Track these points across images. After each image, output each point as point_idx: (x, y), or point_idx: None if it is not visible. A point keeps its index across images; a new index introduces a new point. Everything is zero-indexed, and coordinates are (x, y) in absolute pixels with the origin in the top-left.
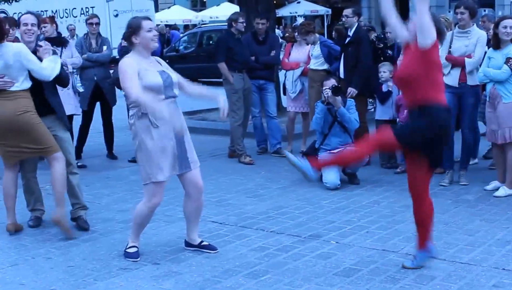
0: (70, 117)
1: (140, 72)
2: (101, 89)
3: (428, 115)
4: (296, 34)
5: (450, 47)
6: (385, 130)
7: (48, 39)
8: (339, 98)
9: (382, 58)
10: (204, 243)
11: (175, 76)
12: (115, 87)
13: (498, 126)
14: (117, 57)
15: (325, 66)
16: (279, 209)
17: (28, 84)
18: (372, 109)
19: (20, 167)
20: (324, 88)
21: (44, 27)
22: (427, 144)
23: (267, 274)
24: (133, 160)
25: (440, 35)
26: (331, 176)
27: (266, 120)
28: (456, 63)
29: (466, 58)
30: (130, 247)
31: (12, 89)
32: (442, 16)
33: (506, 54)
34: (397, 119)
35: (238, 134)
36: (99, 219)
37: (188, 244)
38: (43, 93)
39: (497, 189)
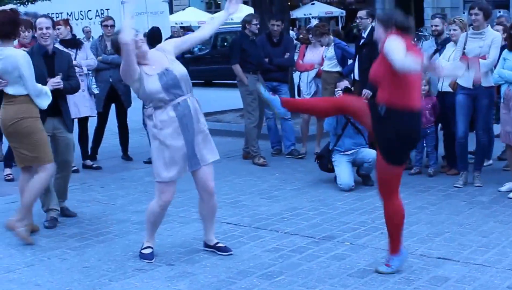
0: (86, 119)
1: (141, 77)
2: (116, 91)
3: (392, 120)
4: (311, 36)
5: (464, 48)
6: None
7: (62, 41)
8: None
9: None
10: (219, 244)
11: (180, 68)
12: (130, 89)
13: None
14: None
15: (338, 68)
16: (293, 211)
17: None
18: None
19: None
20: (336, 89)
21: (58, 29)
22: (389, 147)
23: (281, 275)
24: (149, 161)
25: (406, 30)
26: (345, 177)
27: (280, 122)
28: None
29: (480, 60)
30: (145, 248)
31: (12, 93)
32: (456, 18)
33: None
34: None
35: (253, 136)
36: (114, 220)
37: (205, 244)
38: (54, 96)
39: (511, 190)
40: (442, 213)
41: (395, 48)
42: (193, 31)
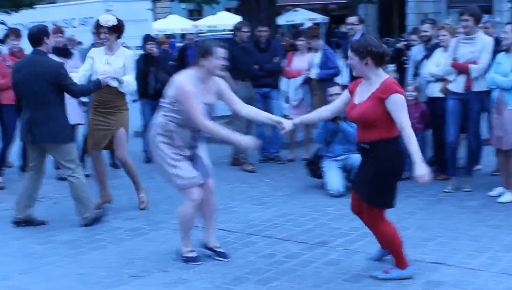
0: (74, 127)
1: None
2: None
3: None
4: (301, 40)
5: (455, 53)
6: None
7: (56, 48)
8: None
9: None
10: (219, 249)
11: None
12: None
13: (504, 132)
14: None
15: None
16: (285, 216)
17: None
18: None
19: None
20: (330, 94)
21: (61, 36)
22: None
23: (277, 281)
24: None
25: (381, 57)
26: (336, 183)
27: (269, 128)
28: (462, 69)
29: (471, 65)
30: (188, 252)
31: None
32: (446, 23)
33: None
34: None
35: None
36: (106, 227)
37: (204, 246)
38: None
39: (501, 195)
40: (433, 218)
41: None
42: (175, 38)
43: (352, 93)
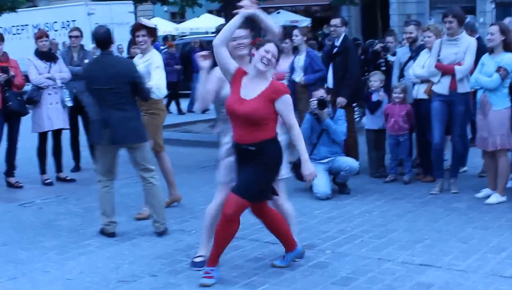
0: (59, 131)
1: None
2: (80, 102)
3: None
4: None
5: (439, 55)
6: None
7: (40, 52)
8: (326, 110)
9: (367, 68)
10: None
11: None
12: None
13: (489, 133)
14: None
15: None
16: None
17: None
18: (358, 118)
19: None
20: (312, 99)
21: (46, 41)
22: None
23: (265, 284)
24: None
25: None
26: (322, 186)
27: None
28: (447, 71)
29: (456, 66)
30: (197, 257)
31: None
32: (431, 25)
33: (498, 62)
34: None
35: None
36: (92, 232)
37: None
38: None
39: (488, 196)
40: (420, 220)
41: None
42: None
43: (236, 80)
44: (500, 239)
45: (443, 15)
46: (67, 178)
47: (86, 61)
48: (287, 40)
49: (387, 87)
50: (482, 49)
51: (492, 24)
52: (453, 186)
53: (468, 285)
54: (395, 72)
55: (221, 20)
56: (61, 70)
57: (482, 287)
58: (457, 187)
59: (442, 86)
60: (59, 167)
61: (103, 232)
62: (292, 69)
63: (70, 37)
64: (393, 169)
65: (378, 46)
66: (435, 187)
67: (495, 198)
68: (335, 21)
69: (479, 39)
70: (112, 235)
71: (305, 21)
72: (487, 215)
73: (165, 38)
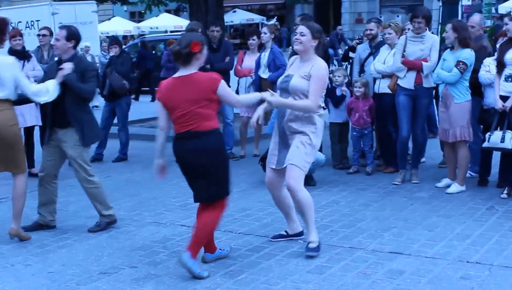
0: (32, 128)
1: None
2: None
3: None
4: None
5: (404, 51)
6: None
7: (13, 51)
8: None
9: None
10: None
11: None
12: None
13: (450, 125)
14: None
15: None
16: (243, 211)
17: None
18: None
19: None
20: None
21: (20, 40)
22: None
23: (243, 274)
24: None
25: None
26: None
27: (222, 126)
28: (414, 66)
29: (423, 62)
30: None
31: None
32: (392, 22)
33: (457, 57)
34: (349, 122)
35: None
36: (70, 226)
37: (285, 234)
38: (64, 105)
39: (448, 186)
40: (386, 209)
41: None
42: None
43: None
44: (463, 226)
45: (413, 16)
46: (41, 174)
47: (56, 59)
48: (254, 37)
49: (350, 82)
50: None
51: (448, 23)
52: (415, 176)
53: (438, 271)
54: (356, 68)
55: (179, 19)
56: (34, 68)
57: (452, 273)
58: (418, 178)
59: (407, 81)
60: (31, 163)
61: (108, 224)
62: (258, 65)
63: (39, 35)
64: (356, 161)
65: (354, 42)
66: (398, 177)
67: (456, 187)
68: (296, 20)
69: None
70: (113, 223)
71: (261, 20)
72: (449, 203)
73: (125, 37)
